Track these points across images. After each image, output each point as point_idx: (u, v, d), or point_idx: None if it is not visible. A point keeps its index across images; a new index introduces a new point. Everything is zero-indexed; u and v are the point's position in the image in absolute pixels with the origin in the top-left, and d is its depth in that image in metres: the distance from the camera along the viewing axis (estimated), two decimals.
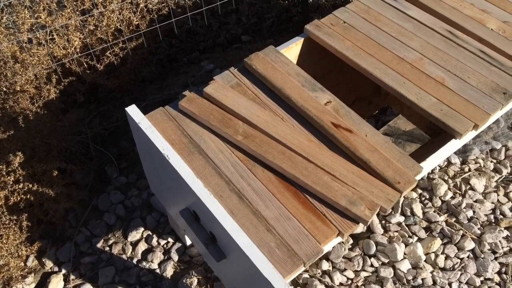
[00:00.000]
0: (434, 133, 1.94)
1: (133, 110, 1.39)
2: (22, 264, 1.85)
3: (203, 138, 1.38)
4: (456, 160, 2.12)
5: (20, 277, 1.78)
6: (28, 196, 1.73)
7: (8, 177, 1.68)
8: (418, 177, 1.30)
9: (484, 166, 2.12)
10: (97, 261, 1.90)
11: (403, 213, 1.97)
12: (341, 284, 1.80)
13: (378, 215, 1.95)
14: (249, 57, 1.56)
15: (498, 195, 2.01)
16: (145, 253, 1.91)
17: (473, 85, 1.51)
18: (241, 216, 1.22)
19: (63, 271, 1.87)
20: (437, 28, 1.70)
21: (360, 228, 1.94)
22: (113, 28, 2.26)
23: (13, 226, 1.70)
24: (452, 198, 2.00)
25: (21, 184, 1.69)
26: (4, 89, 1.95)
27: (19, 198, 1.70)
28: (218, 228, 1.20)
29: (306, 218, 1.22)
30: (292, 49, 1.70)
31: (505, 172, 2.09)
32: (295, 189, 1.28)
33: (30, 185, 1.69)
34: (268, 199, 1.25)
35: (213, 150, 1.35)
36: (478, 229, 1.90)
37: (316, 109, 1.42)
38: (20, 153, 1.69)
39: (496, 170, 2.11)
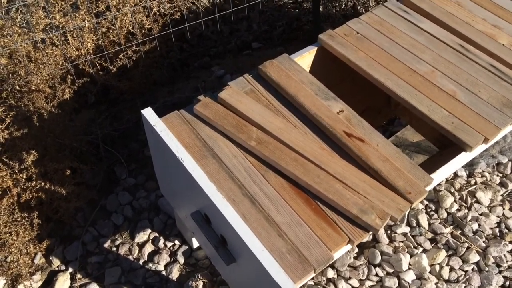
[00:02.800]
0: (442, 145, 1.96)
1: (148, 113, 1.41)
2: (30, 261, 1.86)
3: (217, 143, 1.40)
4: (463, 173, 2.13)
5: (28, 274, 1.80)
6: (40, 194, 1.74)
7: (21, 175, 1.70)
8: (428, 188, 1.32)
9: (490, 179, 2.13)
10: (104, 261, 1.91)
11: (408, 224, 1.98)
12: None
13: None
14: (264, 65, 1.59)
15: (503, 209, 2.03)
16: (151, 255, 1.92)
17: (484, 99, 1.53)
18: (253, 221, 1.23)
19: (70, 269, 1.88)
20: (449, 41, 1.72)
21: (366, 237, 1.95)
22: (125, 31, 2.29)
23: (25, 223, 1.72)
24: (458, 210, 2.01)
25: (33, 182, 1.71)
26: (18, 88, 1.97)
27: (30, 196, 1.71)
28: (230, 231, 1.21)
29: (317, 225, 1.24)
30: (305, 58, 1.72)
31: (511, 186, 2.10)
32: (307, 196, 1.29)
33: (43, 183, 1.71)
34: (280, 205, 1.27)
35: (226, 155, 1.37)
36: (483, 242, 1.91)
37: (329, 117, 1.44)
38: (33, 151, 1.71)
39: (502, 184, 2.12)
